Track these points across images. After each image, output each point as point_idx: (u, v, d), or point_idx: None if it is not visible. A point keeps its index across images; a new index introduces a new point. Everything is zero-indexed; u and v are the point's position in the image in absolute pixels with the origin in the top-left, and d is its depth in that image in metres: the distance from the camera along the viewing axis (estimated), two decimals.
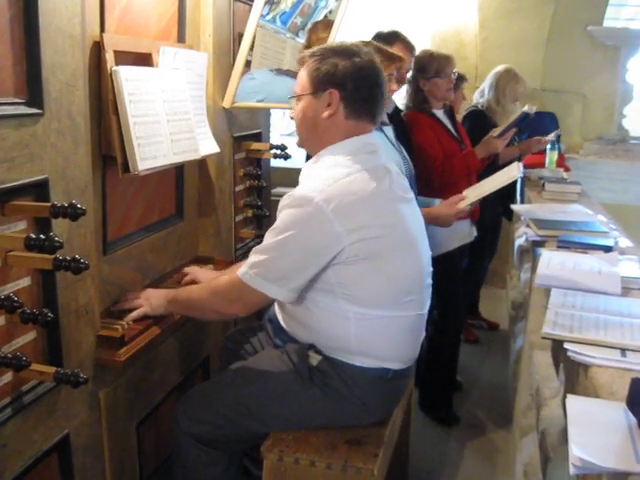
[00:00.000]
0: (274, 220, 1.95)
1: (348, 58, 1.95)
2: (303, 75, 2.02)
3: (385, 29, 3.21)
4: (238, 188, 2.87)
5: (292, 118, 2.10)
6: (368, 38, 2.93)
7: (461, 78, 4.19)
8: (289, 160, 3.04)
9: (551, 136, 4.67)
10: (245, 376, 2.10)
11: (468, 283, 4.38)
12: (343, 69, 1.94)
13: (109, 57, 1.91)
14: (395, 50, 2.81)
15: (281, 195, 1.95)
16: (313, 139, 2.05)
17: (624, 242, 2.83)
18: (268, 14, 2.64)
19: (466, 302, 4.19)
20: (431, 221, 2.60)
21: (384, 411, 2.12)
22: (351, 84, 1.94)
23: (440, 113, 3.57)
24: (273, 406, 2.04)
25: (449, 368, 3.61)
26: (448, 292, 3.39)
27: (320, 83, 1.96)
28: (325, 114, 1.97)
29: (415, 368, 2.38)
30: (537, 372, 2.54)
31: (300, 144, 2.14)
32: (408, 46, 3.18)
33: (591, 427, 1.28)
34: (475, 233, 3.58)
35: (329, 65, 1.95)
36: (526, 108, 3.74)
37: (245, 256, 2.58)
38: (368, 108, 2.00)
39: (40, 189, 1.62)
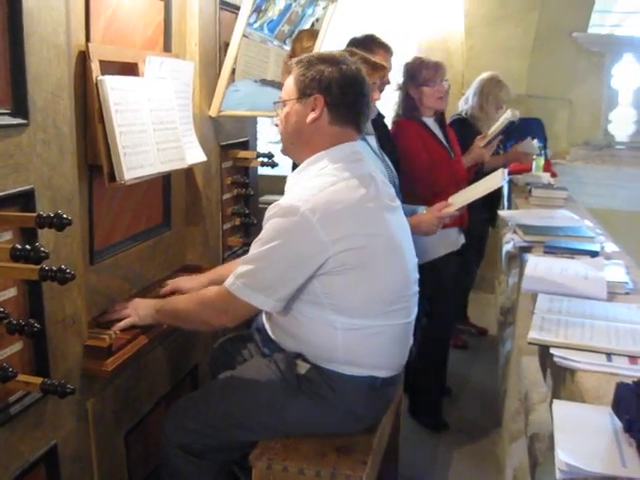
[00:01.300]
0: (262, 228, 1.95)
1: (334, 65, 1.97)
2: (289, 81, 2.03)
3: (359, 34, 3.21)
4: (225, 196, 2.87)
5: (277, 125, 2.10)
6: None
7: None
8: (276, 168, 3.05)
9: (535, 147, 4.70)
10: (233, 385, 2.10)
11: (457, 289, 4.40)
12: (329, 75, 1.95)
13: (95, 67, 1.91)
14: (374, 54, 2.82)
15: (269, 203, 1.95)
16: (297, 146, 2.05)
17: (610, 247, 2.84)
18: (256, 22, 2.65)
19: (456, 308, 4.20)
20: (413, 229, 2.60)
21: (373, 418, 2.12)
22: (336, 90, 1.95)
23: (430, 121, 3.56)
24: (261, 415, 2.04)
25: (438, 374, 3.62)
26: (437, 299, 3.40)
27: (306, 88, 1.97)
28: (309, 119, 1.98)
29: (404, 374, 2.38)
30: (525, 377, 2.55)
31: (284, 152, 2.14)
32: (386, 48, 3.19)
33: (577, 432, 1.28)
34: (463, 241, 3.59)
35: (315, 71, 1.96)
36: (509, 115, 3.76)
37: None
38: (352, 115, 2.01)
39: (26, 199, 1.62)
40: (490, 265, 5.49)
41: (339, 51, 2.19)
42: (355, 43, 3.11)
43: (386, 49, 3.21)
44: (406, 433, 3.20)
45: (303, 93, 1.98)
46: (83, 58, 1.91)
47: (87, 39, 1.93)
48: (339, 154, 2.00)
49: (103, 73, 1.94)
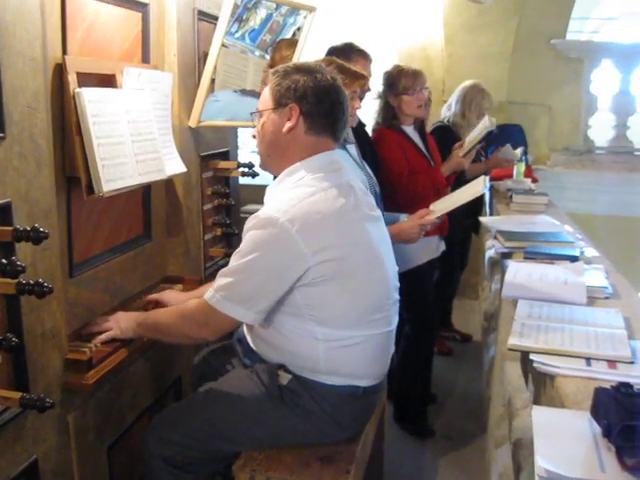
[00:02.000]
0: (242, 239, 1.95)
1: (310, 74, 1.98)
2: (266, 92, 2.04)
3: (338, 43, 3.23)
4: (206, 207, 2.86)
5: (254, 137, 2.11)
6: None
7: None
8: (257, 177, 3.04)
9: (517, 153, 4.73)
10: (215, 396, 2.09)
11: (440, 296, 4.42)
12: (304, 84, 1.96)
13: (71, 79, 1.91)
14: (353, 62, 2.83)
15: (251, 212, 1.96)
16: (274, 157, 2.05)
17: (590, 252, 2.86)
18: (237, 31, 2.66)
19: (437, 314, 4.21)
20: (395, 237, 2.60)
21: (356, 427, 2.12)
22: (312, 99, 1.96)
23: (410, 129, 3.58)
24: (244, 426, 2.03)
25: (423, 381, 3.62)
26: (419, 306, 3.41)
27: (281, 98, 1.98)
28: (285, 128, 1.98)
29: (388, 381, 2.38)
30: (509, 383, 2.56)
31: (262, 166, 2.15)
32: (365, 56, 3.21)
33: (557, 438, 1.29)
34: (443, 247, 3.60)
35: (291, 81, 1.97)
36: (488, 124, 3.78)
37: (214, 275, 2.58)
38: (328, 124, 2.01)
39: (2, 213, 1.61)
40: (474, 271, 5.52)
41: (316, 61, 2.20)
42: (334, 52, 3.12)
43: (365, 57, 3.22)
44: (391, 440, 3.20)
45: (279, 103, 1.99)
46: (60, 71, 1.90)
47: (64, 52, 1.92)
48: (317, 164, 2.00)
49: (80, 85, 1.93)
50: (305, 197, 1.90)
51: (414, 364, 3.53)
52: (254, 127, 2.11)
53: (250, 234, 1.90)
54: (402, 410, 3.60)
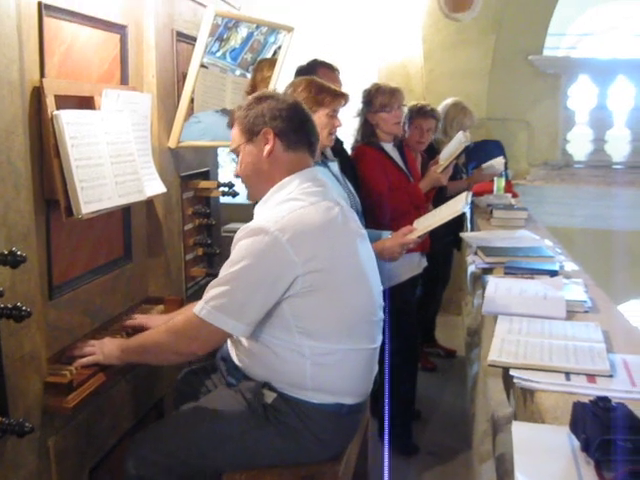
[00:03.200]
0: (225, 257, 1.96)
1: (271, 99, 2.07)
2: (235, 130, 2.11)
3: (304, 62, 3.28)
4: (187, 227, 2.86)
5: (237, 176, 2.15)
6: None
7: (420, 111, 4.10)
8: (238, 197, 3.04)
9: (500, 162, 4.76)
10: (197, 416, 2.08)
11: (423, 312, 4.43)
12: (270, 108, 2.04)
13: (50, 102, 1.91)
14: (320, 75, 2.86)
15: (233, 231, 1.99)
16: (260, 185, 2.09)
17: (570, 266, 2.88)
18: (218, 51, 2.68)
19: (421, 331, 4.22)
20: (377, 255, 2.61)
21: (339, 446, 2.11)
22: (281, 118, 2.03)
23: (389, 147, 3.60)
24: (227, 446, 2.02)
25: (407, 397, 3.61)
26: (402, 323, 3.41)
27: (252, 127, 2.04)
28: (265, 153, 2.03)
29: (372, 398, 2.38)
30: (492, 398, 2.57)
31: (252, 197, 2.17)
32: (330, 67, 3.24)
33: (536, 453, 1.30)
34: (425, 264, 3.62)
35: (256, 110, 2.05)
36: (463, 139, 3.80)
37: (196, 295, 2.58)
38: (302, 138, 2.08)
39: None
40: (457, 287, 5.54)
41: (294, 80, 2.25)
42: (302, 71, 3.16)
43: (331, 68, 3.26)
44: (376, 458, 3.19)
45: (251, 133, 2.05)
46: (38, 94, 1.90)
47: (42, 75, 1.92)
48: (302, 180, 2.04)
49: (59, 108, 1.93)
50: (295, 209, 1.94)
51: (398, 381, 3.53)
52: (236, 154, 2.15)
53: (241, 243, 1.93)
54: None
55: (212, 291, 1.93)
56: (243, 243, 1.92)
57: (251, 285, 1.90)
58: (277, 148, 2.04)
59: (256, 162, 2.06)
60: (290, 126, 2.04)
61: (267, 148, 2.03)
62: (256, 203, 2.12)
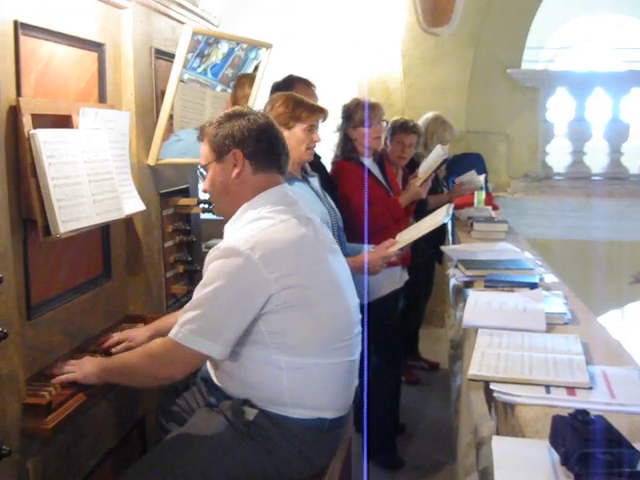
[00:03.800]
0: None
1: (242, 118, 2.05)
2: (205, 146, 2.10)
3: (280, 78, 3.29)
4: (167, 244, 2.85)
5: (205, 191, 2.16)
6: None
7: (402, 126, 4.13)
8: None
9: (480, 178, 4.79)
10: (183, 443, 2.06)
11: (406, 325, 4.44)
12: (240, 128, 2.03)
13: (26, 121, 1.90)
14: (296, 90, 2.86)
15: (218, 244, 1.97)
16: (228, 203, 2.09)
17: (549, 278, 2.90)
18: (199, 66, 2.69)
19: (404, 344, 4.22)
20: (358, 269, 2.62)
21: (323, 461, 2.11)
22: (251, 140, 2.02)
23: (369, 161, 3.62)
24: (213, 469, 1.99)
25: (391, 412, 3.61)
26: (385, 337, 3.42)
27: (222, 147, 2.04)
28: (233, 174, 2.04)
29: (356, 413, 2.37)
30: (475, 411, 2.57)
31: (219, 213, 2.19)
32: (305, 82, 3.26)
33: (517, 467, 1.30)
34: (406, 277, 3.63)
35: (227, 129, 2.04)
36: (442, 152, 3.83)
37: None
38: (272, 159, 2.08)
39: None
40: (439, 299, 5.56)
41: (274, 96, 2.24)
42: (278, 87, 3.18)
43: (307, 83, 3.28)
44: (360, 473, 3.17)
45: (221, 152, 2.05)
46: (14, 113, 1.88)
47: (18, 94, 1.91)
48: (272, 198, 2.05)
49: (36, 127, 1.92)
50: (265, 227, 1.95)
51: (382, 395, 3.52)
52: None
53: (212, 265, 1.93)
54: (371, 442, 3.57)
55: (186, 314, 1.92)
56: (215, 265, 1.92)
57: (225, 306, 1.89)
58: (246, 170, 2.04)
59: (224, 181, 2.06)
60: (259, 148, 2.04)
61: (236, 170, 2.03)
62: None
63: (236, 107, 2.20)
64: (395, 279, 3.50)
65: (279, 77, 3.57)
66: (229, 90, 2.97)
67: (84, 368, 2.06)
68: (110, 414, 2.35)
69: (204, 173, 2.13)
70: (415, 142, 4.13)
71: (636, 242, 5.96)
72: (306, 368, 1.98)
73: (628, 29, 9.67)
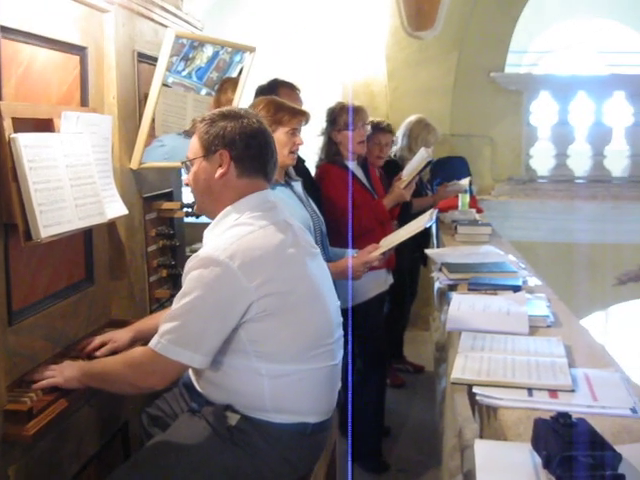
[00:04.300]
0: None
1: (236, 120, 2.03)
2: (194, 140, 2.07)
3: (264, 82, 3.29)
4: (151, 248, 2.84)
5: (187, 185, 2.14)
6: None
7: (378, 126, 4.16)
8: (202, 216, 3.03)
9: (465, 182, 4.81)
10: (165, 448, 2.05)
11: (391, 328, 4.44)
12: (232, 130, 2.01)
13: (7, 125, 1.88)
14: (281, 95, 2.86)
15: (197, 251, 1.96)
16: (209, 202, 2.08)
17: (533, 280, 2.91)
18: (184, 70, 2.68)
19: (389, 347, 4.22)
20: (340, 274, 2.61)
21: (306, 466, 2.10)
22: (240, 143, 2.01)
23: (353, 165, 3.62)
24: (196, 474, 1.99)
25: (376, 415, 3.61)
26: (370, 340, 3.42)
27: (211, 145, 2.02)
28: (217, 175, 2.02)
29: (340, 417, 2.37)
30: (459, 414, 2.57)
31: (199, 210, 2.18)
32: (290, 86, 3.26)
33: (499, 471, 1.30)
34: (391, 281, 3.63)
35: (218, 128, 2.02)
36: (425, 155, 3.85)
37: None
38: (259, 166, 2.06)
39: None
40: (424, 302, 5.57)
41: (255, 100, 2.23)
42: (262, 91, 3.17)
43: (291, 87, 3.29)
44: (346, 477, 3.17)
45: (208, 150, 2.03)
46: None
47: None
48: (252, 203, 2.04)
49: (17, 131, 1.90)
50: (244, 235, 1.93)
51: (367, 398, 3.53)
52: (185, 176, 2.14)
53: (191, 274, 1.91)
54: (356, 446, 3.57)
55: (166, 325, 1.91)
56: (194, 274, 1.90)
57: (205, 316, 1.88)
58: (231, 172, 2.02)
59: (208, 179, 2.04)
60: (248, 153, 2.03)
61: (220, 171, 2.02)
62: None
63: (232, 107, 2.18)
64: (380, 282, 3.50)
65: (264, 80, 3.58)
66: (214, 93, 2.97)
67: (65, 373, 2.05)
68: (92, 420, 2.33)
69: (189, 167, 2.11)
70: (391, 141, 4.19)
71: (619, 244, 6.01)
72: (287, 375, 1.97)
73: (611, 33, 9.74)
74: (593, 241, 5.89)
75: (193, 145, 2.08)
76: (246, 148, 2.02)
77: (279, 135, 2.55)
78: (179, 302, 1.91)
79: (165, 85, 2.62)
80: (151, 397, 2.42)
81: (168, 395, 2.37)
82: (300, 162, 3.17)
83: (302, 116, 2.67)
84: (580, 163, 6.35)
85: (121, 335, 2.32)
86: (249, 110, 2.14)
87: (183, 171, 2.24)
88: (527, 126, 6.29)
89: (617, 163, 6.36)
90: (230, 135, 2.01)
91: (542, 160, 6.36)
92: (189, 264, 1.93)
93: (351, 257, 2.78)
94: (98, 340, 2.31)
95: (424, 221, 2.77)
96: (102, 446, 2.40)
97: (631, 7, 8.91)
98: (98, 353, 2.25)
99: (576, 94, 6.31)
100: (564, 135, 6.29)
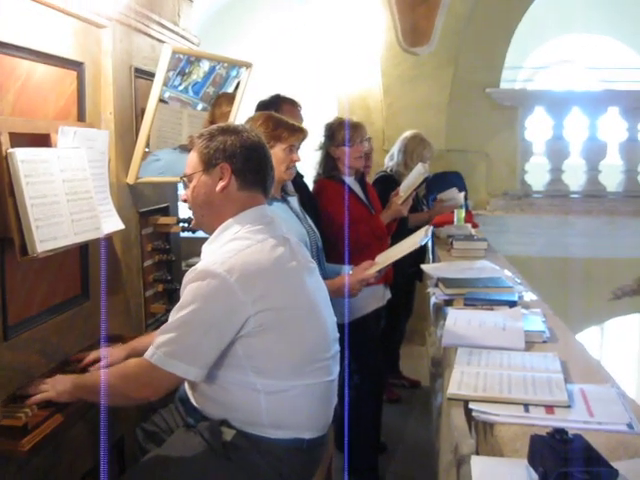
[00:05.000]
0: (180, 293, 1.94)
1: (235, 134, 2.04)
2: (193, 155, 2.08)
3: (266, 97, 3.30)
4: (147, 263, 2.84)
5: (184, 201, 2.14)
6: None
7: None
8: (198, 231, 3.03)
9: (460, 197, 4.82)
10: (160, 463, 2.04)
11: (387, 343, 4.44)
12: (232, 143, 2.02)
13: (4, 139, 1.89)
14: (283, 111, 2.87)
15: (193, 265, 1.96)
16: (209, 216, 2.08)
17: (528, 296, 2.91)
18: (180, 84, 2.69)
19: (385, 362, 4.22)
20: (336, 292, 2.60)
21: None
22: (241, 157, 2.02)
23: (351, 180, 3.63)
24: None
25: (372, 430, 3.60)
26: (366, 355, 3.41)
27: (211, 159, 2.03)
28: (218, 188, 2.03)
29: (337, 432, 2.36)
30: (455, 429, 2.56)
31: (197, 225, 2.17)
32: (292, 102, 3.27)
33: None
34: (389, 296, 3.64)
35: (218, 142, 2.03)
36: (422, 170, 3.86)
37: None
38: (259, 179, 2.08)
39: None
40: (420, 317, 5.56)
41: (254, 116, 2.23)
42: (264, 106, 3.18)
43: (293, 104, 3.29)
44: None
45: (209, 164, 2.03)
46: None
47: None
48: (250, 217, 2.04)
49: (14, 145, 1.91)
50: (242, 249, 1.94)
51: (363, 414, 3.51)
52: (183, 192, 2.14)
53: (189, 287, 1.91)
54: (352, 461, 3.55)
55: (162, 337, 1.91)
56: (192, 287, 1.90)
57: (201, 329, 1.88)
58: (231, 185, 2.03)
59: (208, 194, 2.05)
60: (248, 166, 2.04)
61: (221, 184, 2.02)
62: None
63: (230, 123, 2.19)
64: (378, 297, 3.50)
65: (259, 96, 3.59)
66: (209, 108, 2.98)
67: (57, 386, 2.04)
68: (88, 435, 2.31)
69: (186, 184, 2.11)
70: (371, 149, 4.43)
71: (614, 259, 6.03)
72: (284, 390, 1.97)
73: (604, 49, 9.81)
74: (588, 256, 5.91)
75: (191, 160, 2.08)
76: (247, 161, 2.03)
77: (277, 151, 2.55)
78: (176, 314, 1.91)
79: (162, 100, 2.63)
80: (146, 412, 2.41)
81: (164, 410, 2.37)
82: (299, 177, 3.18)
83: (300, 133, 2.67)
84: (575, 178, 6.37)
85: (116, 352, 2.30)
86: (246, 126, 2.16)
87: (180, 186, 2.25)
88: (522, 141, 6.32)
89: (612, 178, 6.39)
90: (231, 148, 2.02)
91: (537, 175, 6.39)
92: (187, 277, 1.93)
93: (347, 275, 2.77)
94: (92, 355, 2.30)
95: (419, 238, 2.77)
96: (97, 461, 2.39)
97: (625, 23, 8.99)
98: (92, 369, 2.24)
99: (571, 109, 6.35)
100: (559, 150, 6.32)
